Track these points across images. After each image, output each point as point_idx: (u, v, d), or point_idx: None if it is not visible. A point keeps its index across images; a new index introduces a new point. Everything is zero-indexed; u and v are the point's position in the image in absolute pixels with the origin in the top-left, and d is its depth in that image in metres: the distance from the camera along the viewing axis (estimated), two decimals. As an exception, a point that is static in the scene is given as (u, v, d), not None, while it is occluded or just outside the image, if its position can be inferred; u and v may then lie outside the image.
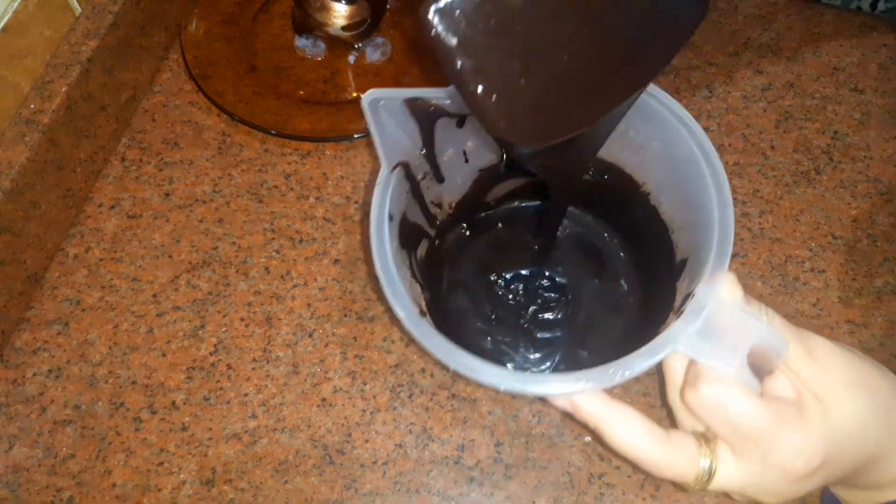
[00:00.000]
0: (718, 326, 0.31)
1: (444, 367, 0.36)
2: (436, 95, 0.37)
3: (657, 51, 0.32)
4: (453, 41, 0.27)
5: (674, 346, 0.31)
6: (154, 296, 0.47)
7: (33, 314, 0.46)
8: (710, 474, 0.31)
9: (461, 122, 0.39)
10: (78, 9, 0.50)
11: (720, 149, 0.53)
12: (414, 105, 0.36)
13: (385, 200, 0.35)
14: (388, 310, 0.46)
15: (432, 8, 0.27)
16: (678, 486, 0.37)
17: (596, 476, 0.42)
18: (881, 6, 0.58)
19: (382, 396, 0.44)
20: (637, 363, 0.31)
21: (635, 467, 0.33)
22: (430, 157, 0.40)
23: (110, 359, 0.45)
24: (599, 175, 0.43)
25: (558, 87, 0.30)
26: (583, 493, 0.41)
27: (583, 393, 0.31)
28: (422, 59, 0.56)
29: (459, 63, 0.28)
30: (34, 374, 0.44)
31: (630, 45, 0.31)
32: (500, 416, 0.43)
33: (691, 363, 0.32)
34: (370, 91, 0.35)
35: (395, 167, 0.36)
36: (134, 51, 0.53)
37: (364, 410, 0.44)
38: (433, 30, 0.27)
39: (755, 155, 0.53)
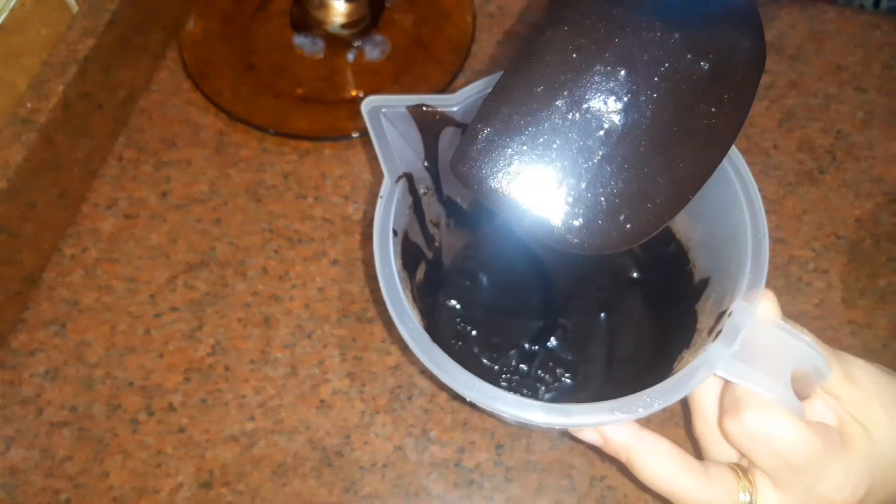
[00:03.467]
0: (758, 347, 0.29)
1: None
2: (441, 102, 0.34)
3: (724, 118, 0.28)
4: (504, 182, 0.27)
5: (712, 370, 0.28)
6: (151, 296, 0.47)
7: (30, 315, 0.46)
8: None
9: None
10: (75, 7, 0.49)
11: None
12: (417, 113, 0.34)
13: (389, 214, 0.33)
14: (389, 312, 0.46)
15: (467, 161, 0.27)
16: None
17: (597, 479, 0.42)
18: (884, 4, 0.58)
19: (382, 398, 0.44)
20: (674, 390, 0.28)
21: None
22: (434, 170, 0.37)
23: (107, 360, 0.45)
24: None
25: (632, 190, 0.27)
26: (584, 495, 0.41)
27: (613, 425, 0.29)
28: (421, 56, 0.55)
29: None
30: (31, 376, 0.44)
31: (690, 126, 0.27)
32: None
33: (727, 390, 0.30)
34: (370, 98, 0.33)
35: (398, 179, 0.34)
36: (131, 49, 0.52)
37: (363, 412, 0.43)
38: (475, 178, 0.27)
39: (758, 154, 0.52)
